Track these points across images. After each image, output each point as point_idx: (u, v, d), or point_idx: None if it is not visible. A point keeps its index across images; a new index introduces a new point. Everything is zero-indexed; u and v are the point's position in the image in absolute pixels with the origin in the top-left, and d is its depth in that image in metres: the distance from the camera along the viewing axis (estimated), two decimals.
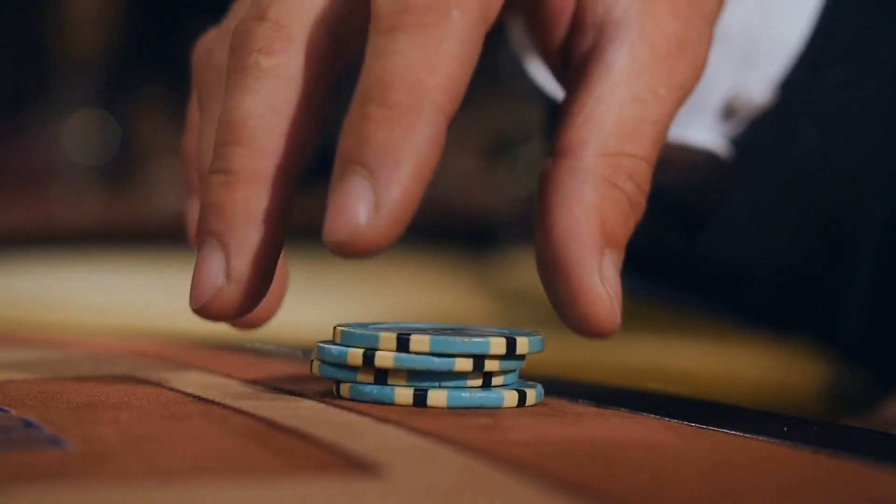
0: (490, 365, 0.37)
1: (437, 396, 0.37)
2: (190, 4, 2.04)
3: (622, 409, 0.38)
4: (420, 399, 0.37)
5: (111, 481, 0.28)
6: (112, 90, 2.07)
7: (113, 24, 2.08)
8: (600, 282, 0.37)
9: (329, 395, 0.38)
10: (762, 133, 0.52)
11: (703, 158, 0.52)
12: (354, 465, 0.30)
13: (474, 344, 0.37)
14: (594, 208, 0.38)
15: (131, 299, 1.35)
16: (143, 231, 1.74)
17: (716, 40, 0.41)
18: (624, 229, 0.38)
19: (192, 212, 0.43)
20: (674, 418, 0.37)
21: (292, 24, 0.37)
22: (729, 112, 0.52)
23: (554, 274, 0.38)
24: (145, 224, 1.78)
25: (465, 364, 0.37)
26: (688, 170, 0.52)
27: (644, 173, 0.39)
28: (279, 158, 0.37)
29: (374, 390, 0.37)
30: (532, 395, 0.38)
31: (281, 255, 0.40)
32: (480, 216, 1.55)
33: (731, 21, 0.50)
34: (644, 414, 0.38)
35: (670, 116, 0.40)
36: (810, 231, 0.56)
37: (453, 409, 0.37)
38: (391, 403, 0.37)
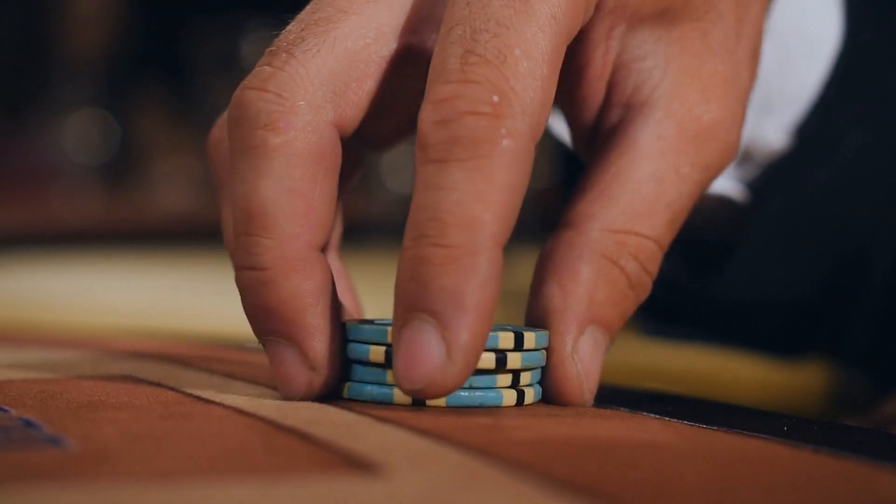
0: (513, 362, 0.37)
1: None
2: (190, 5, 2.04)
3: (622, 408, 0.38)
4: (418, 401, 0.37)
5: (111, 481, 0.28)
6: (112, 90, 2.07)
7: (113, 24, 2.09)
8: (571, 358, 0.38)
9: (330, 394, 0.38)
10: (777, 177, 0.51)
11: (719, 202, 0.51)
12: (354, 464, 0.30)
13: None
14: (585, 284, 0.38)
15: (131, 299, 1.35)
16: (143, 231, 1.74)
17: None
18: (616, 309, 0.38)
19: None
20: (674, 418, 0.37)
21: (296, 96, 0.37)
22: (744, 157, 0.51)
23: None
24: (145, 224, 1.79)
25: (488, 361, 0.37)
26: (703, 213, 0.52)
27: (651, 254, 0.39)
28: (307, 238, 0.36)
29: (374, 390, 0.37)
30: (531, 395, 0.38)
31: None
32: None
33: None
34: (644, 414, 0.38)
35: (692, 198, 0.39)
36: (824, 269, 0.56)
37: (453, 409, 0.37)
38: (390, 403, 0.37)
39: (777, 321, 0.59)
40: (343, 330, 0.37)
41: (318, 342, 0.36)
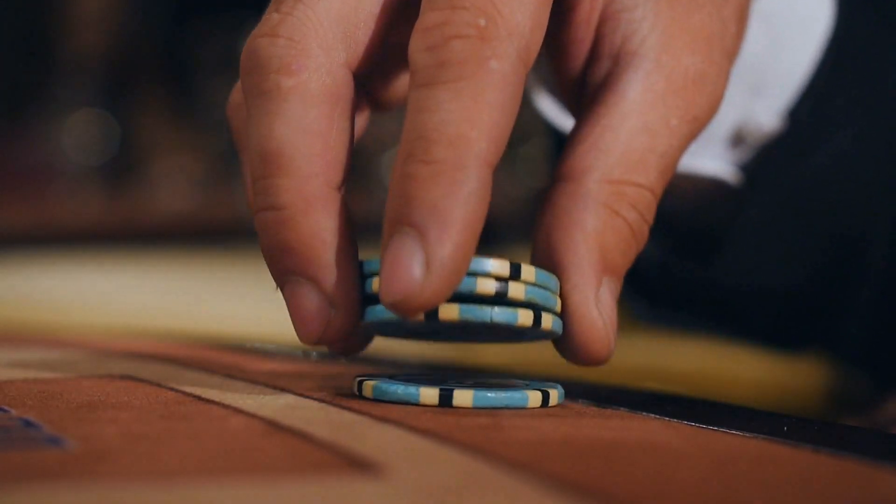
0: (520, 290, 0.36)
1: (463, 396, 0.37)
2: (190, 5, 2.04)
3: (622, 408, 0.38)
4: (446, 399, 0.37)
5: (111, 481, 0.28)
6: (112, 90, 2.07)
7: (113, 24, 2.09)
8: (597, 309, 0.37)
9: (330, 394, 0.38)
10: (771, 159, 0.51)
11: (713, 185, 0.51)
12: (354, 464, 0.30)
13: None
14: (594, 235, 0.38)
15: (131, 299, 1.35)
16: (143, 231, 1.74)
17: None
18: (624, 258, 0.38)
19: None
20: (673, 418, 0.37)
21: (307, 38, 0.37)
22: (738, 140, 0.51)
23: None
24: (145, 224, 1.79)
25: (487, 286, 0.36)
26: (697, 196, 0.52)
27: (648, 203, 0.39)
28: (325, 177, 0.36)
29: (400, 389, 0.37)
30: (555, 396, 0.38)
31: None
32: None
33: (740, 50, 0.50)
34: (644, 414, 0.38)
35: (681, 149, 0.39)
36: (819, 254, 0.56)
37: (453, 409, 0.37)
38: (416, 403, 0.37)
39: (772, 308, 0.59)
40: (361, 268, 0.37)
41: (338, 278, 0.36)
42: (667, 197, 0.40)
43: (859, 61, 0.53)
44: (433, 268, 0.34)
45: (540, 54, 0.41)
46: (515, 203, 1.58)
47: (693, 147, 0.41)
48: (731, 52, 0.41)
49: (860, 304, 0.57)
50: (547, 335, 0.38)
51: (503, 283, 0.36)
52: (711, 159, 0.51)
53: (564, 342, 0.38)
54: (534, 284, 0.36)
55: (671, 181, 0.40)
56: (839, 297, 0.57)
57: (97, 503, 0.26)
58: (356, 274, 0.37)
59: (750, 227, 0.53)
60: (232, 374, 0.42)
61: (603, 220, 0.38)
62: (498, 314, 0.36)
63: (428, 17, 0.35)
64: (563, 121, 0.49)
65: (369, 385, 0.38)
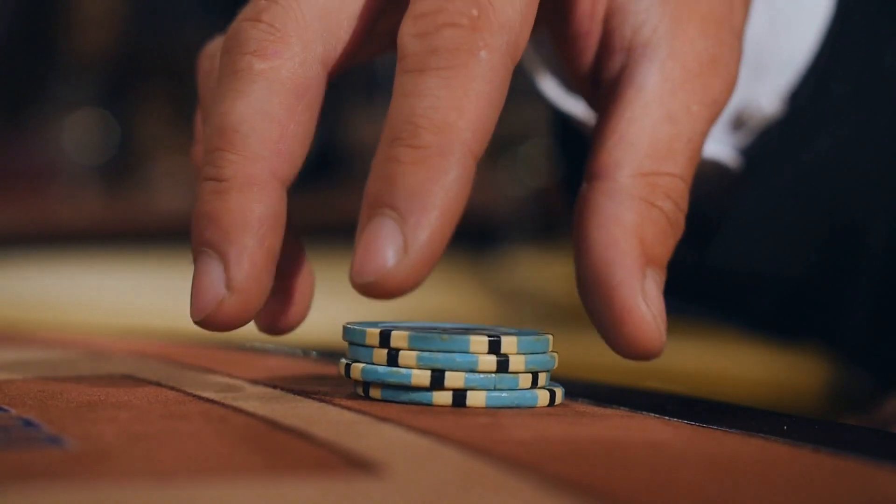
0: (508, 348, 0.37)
1: (476, 397, 0.37)
2: (190, 5, 2.04)
3: (622, 408, 0.38)
4: (459, 400, 0.37)
5: (111, 480, 0.28)
6: (112, 90, 2.07)
7: (113, 24, 2.08)
8: (644, 302, 0.37)
9: (329, 394, 0.38)
10: (771, 143, 0.52)
11: (712, 169, 0.51)
12: (354, 464, 0.30)
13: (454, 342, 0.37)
14: (633, 228, 0.38)
15: (131, 299, 1.35)
16: (143, 231, 1.74)
17: None
18: (664, 248, 0.38)
19: None
20: (674, 417, 0.37)
21: (287, 27, 0.37)
22: (738, 123, 0.51)
23: (596, 297, 0.38)
24: (145, 224, 1.78)
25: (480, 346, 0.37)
26: (697, 180, 0.52)
27: (681, 191, 0.39)
28: (272, 164, 0.36)
29: (412, 393, 0.37)
30: (559, 395, 0.38)
31: (305, 259, 0.40)
32: (481, 216, 1.55)
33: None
34: (644, 413, 0.38)
35: (704, 133, 0.40)
36: (818, 240, 0.56)
37: (453, 409, 0.37)
38: (429, 404, 0.37)
39: (769, 295, 0.59)
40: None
41: (245, 264, 0.36)
42: None
43: (860, 47, 0.53)
44: (410, 251, 0.34)
45: (545, 41, 0.41)
46: (515, 203, 1.58)
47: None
48: (739, 32, 0.41)
49: (859, 293, 0.57)
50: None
51: (503, 360, 0.37)
52: (712, 142, 0.51)
53: (616, 338, 0.38)
54: (528, 354, 0.37)
55: None
56: (838, 284, 0.57)
57: (97, 503, 0.26)
58: (268, 265, 0.36)
59: (748, 213, 0.53)
60: (232, 374, 0.42)
61: (640, 214, 0.38)
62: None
63: (421, 5, 0.35)
64: (567, 103, 0.49)
65: (377, 388, 0.38)
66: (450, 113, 0.34)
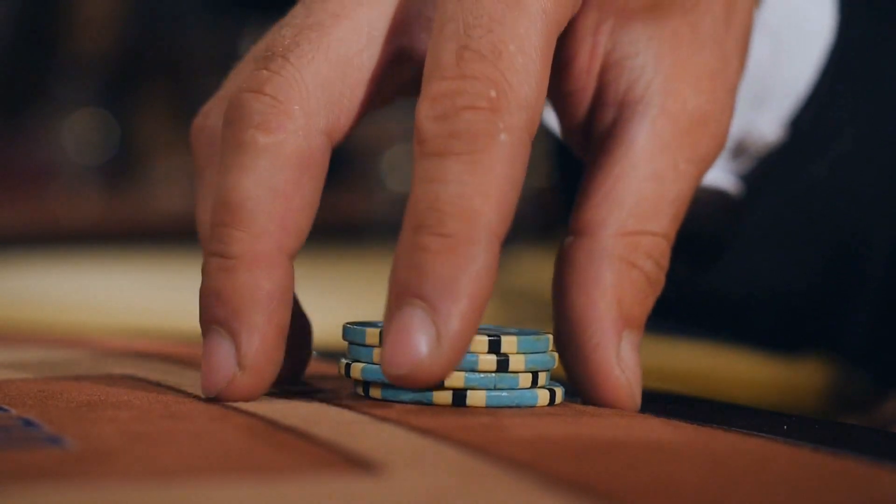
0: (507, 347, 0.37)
1: (476, 397, 0.37)
2: (190, 5, 2.04)
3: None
4: (459, 399, 0.37)
5: (111, 480, 0.28)
6: (112, 90, 2.07)
7: (114, 24, 2.08)
8: (619, 367, 0.38)
9: (329, 394, 0.38)
10: (772, 170, 0.52)
11: (713, 196, 0.52)
12: (354, 463, 0.30)
13: None
14: (612, 290, 0.38)
15: (131, 299, 1.35)
16: (143, 231, 1.74)
17: None
18: (642, 308, 0.39)
19: None
20: (674, 416, 0.37)
21: (290, 99, 0.37)
22: (739, 150, 0.51)
23: (573, 356, 0.38)
24: (145, 224, 1.78)
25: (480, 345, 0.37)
26: (698, 207, 0.52)
27: (663, 250, 0.39)
28: (279, 239, 0.36)
29: (412, 393, 0.37)
30: (559, 395, 0.38)
31: (305, 316, 0.40)
32: None
33: None
34: (644, 413, 0.38)
35: (691, 190, 0.40)
36: (819, 261, 0.56)
37: (453, 409, 0.37)
38: (430, 403, 0.37)
39: (773, 316, 0.59)
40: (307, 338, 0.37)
41: (255, 342, 0.36)
42: None
43: (860, 70, 0.53)
44: (443, 341, 0.34)
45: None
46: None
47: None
48: (734, 87, 0.41)
49: (860, 309, 0.57)
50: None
51: (503, 360, 0.37)
52: (712, 170, 0.51)
53: (590, 397, 0.38)
54: (527, 353, 0.37)
55: None
56: (839, 303, 0.57)
57: (97, 503, 0.26)
58: (278, 342, 0.37)
59: (749, 236, 0.53)
60: None
61: (619, 274, 0.38)
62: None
63: (437, 86, 0.35)
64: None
65: (377, 388, 0.38)
66: (474, 199, 0.34)
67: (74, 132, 2.02)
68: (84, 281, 1.46)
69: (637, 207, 0.39)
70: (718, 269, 0.54)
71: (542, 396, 0.38)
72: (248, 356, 0.36)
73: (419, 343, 0.34)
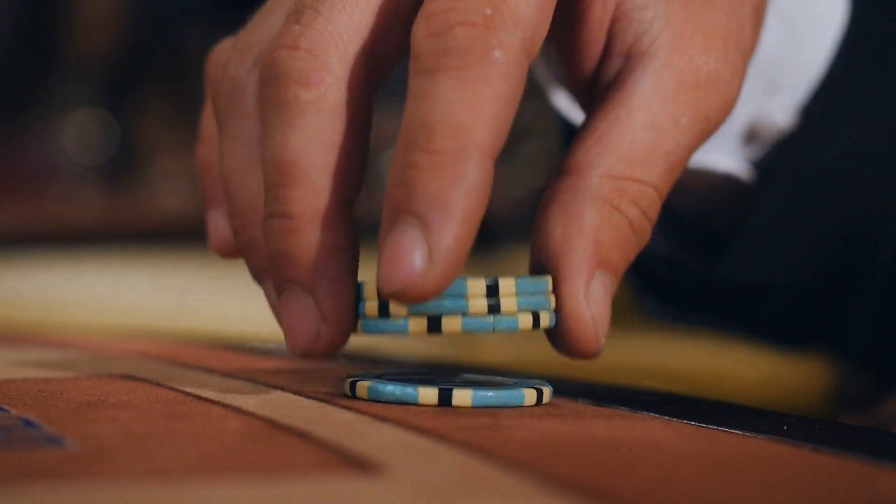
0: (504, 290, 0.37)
1: (462, 396, 0.37)
2: (190, 5, 2.04)
3: (622, 407, 0.38)
4: (445, 399, 0.37)
5: (111, 480, 0.28)
6: (112, 90, 2.07)
7: (114, 24, 2.08)
8: (585, 302, 0.37)
9: (329, 394, 0.38)
10: (784, 157, 0.51)
11: (725, 182, 0.51)
12: (354, 463, 0.30)
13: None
14: (590, 229, 0.38)
15: (131, 299, 1.35)
16: (144, 231, 1.74)
17: None
18: (622, 254, 0.38)
19: (214, 222, 0.42)
20: (673, 417, 0.37)
21: (327, 52, 0.37)
22: (751, 136, 0.51)
23: None
24: (145, 224, 1.78)
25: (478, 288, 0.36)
26: (709, 193, 0.52)
27: (651, 200, 0.38)
28: (336, 193, 0.36)
29: (397, 390, 0.37)
30: (547, 394, 0.38)
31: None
32: None
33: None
34: (644, 413, 0.38)
35: (690, 149, 0.39)
36: (830, 249, 0.56)
37: (453, 409, 0.37)
38: (415, 404, 0.37)
39: (780, 306, 0.59)
40: (359, 290, 0.37)
41: (335, 294, 0.36)
42: (678, 193, 0.40)
43: (872, 58, 0.53)
44: (436, 258, 0.34)
45: (553, 54, 0.41)
46: (515, 203, 1.58)
47: (706, 143, 0.41)
48: (747, 53, 0.41)
49: (868, 299, 0.57)
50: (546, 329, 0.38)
51: (494, 301, 0.36)
52: (724, 155, 0.51)
53: (555, 334, 0.38)
54: (523, 294, 0.37)
55: (683, 177, 0.40)
56: (847, 294, 0.57)
57: (97, 503, 0.26)
58: (353, 292, 0.37)
59: (760, 224, 0.53)
60: (232, 374, 0.42)
61: (601, 215, 0.38)
62: (501, 324, 0.37)
63: (433, 4, 0.35)
64: (579, 116, 0.49)
65: (363, 386, 0.38)
66: (465, 115, 0.34)
67: (74, 132, 2.02)
68: (84, 281, 1.46)
69: (629, 153, 0.38)
70: (727, 259, 0.54)
71: (530, 396, 0.38)
72: (331, 309, 0.36)
73: (413, 259, 0.34)
